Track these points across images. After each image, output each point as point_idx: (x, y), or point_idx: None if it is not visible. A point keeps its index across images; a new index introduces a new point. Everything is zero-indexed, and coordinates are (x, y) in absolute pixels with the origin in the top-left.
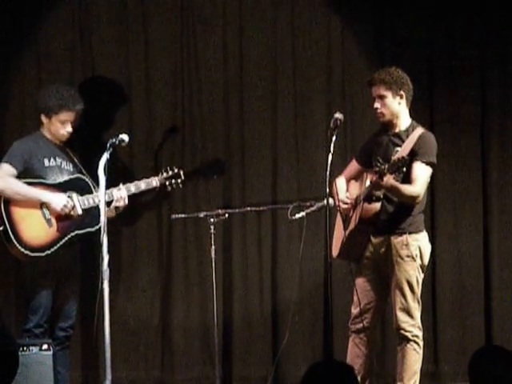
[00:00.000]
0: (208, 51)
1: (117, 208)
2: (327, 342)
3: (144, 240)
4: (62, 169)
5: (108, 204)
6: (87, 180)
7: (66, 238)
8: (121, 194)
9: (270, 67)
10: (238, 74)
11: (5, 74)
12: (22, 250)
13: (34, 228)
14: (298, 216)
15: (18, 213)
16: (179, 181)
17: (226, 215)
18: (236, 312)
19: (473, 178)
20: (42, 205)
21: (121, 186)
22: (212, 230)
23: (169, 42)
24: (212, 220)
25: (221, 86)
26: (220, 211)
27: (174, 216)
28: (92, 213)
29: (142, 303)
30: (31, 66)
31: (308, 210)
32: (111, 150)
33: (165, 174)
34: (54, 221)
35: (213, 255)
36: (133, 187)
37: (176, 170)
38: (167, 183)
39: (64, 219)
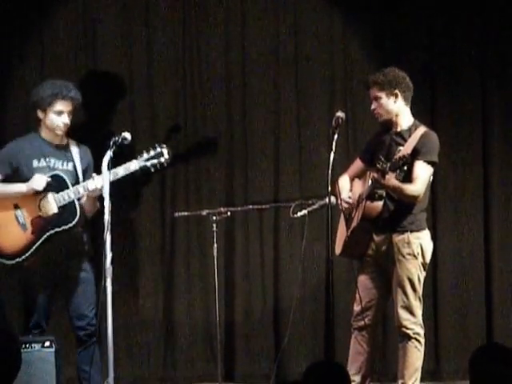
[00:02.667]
0: (210, 48)
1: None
2: (329, 339)
3: (147, 238)
4: (53, 169)
5: (79, 199)
6: (63, 176)
7: (43, 239)
8: (95, 184)
9: (272, 66)
10: (240, 73)
11: (8, 71)
12: (0, 260)
13: (9, 235)
14: (299, 214)
15: None
16: (163, 160)
17: (229, 213)
18: (238, 310)
19: (474, 176)
20: (16, 208)
21: (94, 175)
22: (214, 228)
23: (171, 37)
24: (214, 218)
25: (223, 84)
26: (222, 209)
27: (176, 214)
28: (68, 209)
29: (144, 301)
30: (35, 64)
31: (310, 209)
32: (114, 147)
33: (145, 155)
34: (28, 224)
35: (215, 253)
36: (111, 175)
37: (158, 149)
38: (149, 164)
39: (39, 220)
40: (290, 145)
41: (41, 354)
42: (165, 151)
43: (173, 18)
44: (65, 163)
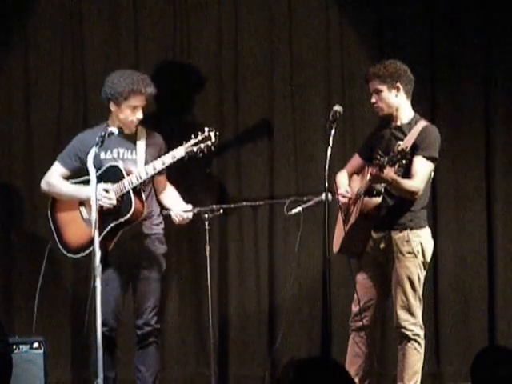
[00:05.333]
0: (202, 41)
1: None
2: (325, 340)
3: None
4: (122, 159)
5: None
6: (119, 166)
7: (104, 233)
8: (147, 172)
9: (266, 59)
10: (233, 66)
11: None
12: (69, 254)
13: (76, 231)
14: (294, 211)
15: (61, 218)
16: (209, 143)
17: (221, 210)
18: (232, 310)
19: (476, 173)
20: (80, 204)
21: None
22: (206, 226)
23: (161, 31)
24: (206, 216)
25: (215, 77)
26: (214, 206)
27: (165, 212)
28: (124, 199)
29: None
30: (18, 60)
31: (305, 205)
32: (100, 144)
33: (192, 140)
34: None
35: (207, 252)
36: (158, 164)
37: (206, 133)
38: (195, 149)
39: (100, 214)
40: (285, 139)
41: (29, 356)
42: (212, 134)
43: (162, 12)
44: (134, 152)
